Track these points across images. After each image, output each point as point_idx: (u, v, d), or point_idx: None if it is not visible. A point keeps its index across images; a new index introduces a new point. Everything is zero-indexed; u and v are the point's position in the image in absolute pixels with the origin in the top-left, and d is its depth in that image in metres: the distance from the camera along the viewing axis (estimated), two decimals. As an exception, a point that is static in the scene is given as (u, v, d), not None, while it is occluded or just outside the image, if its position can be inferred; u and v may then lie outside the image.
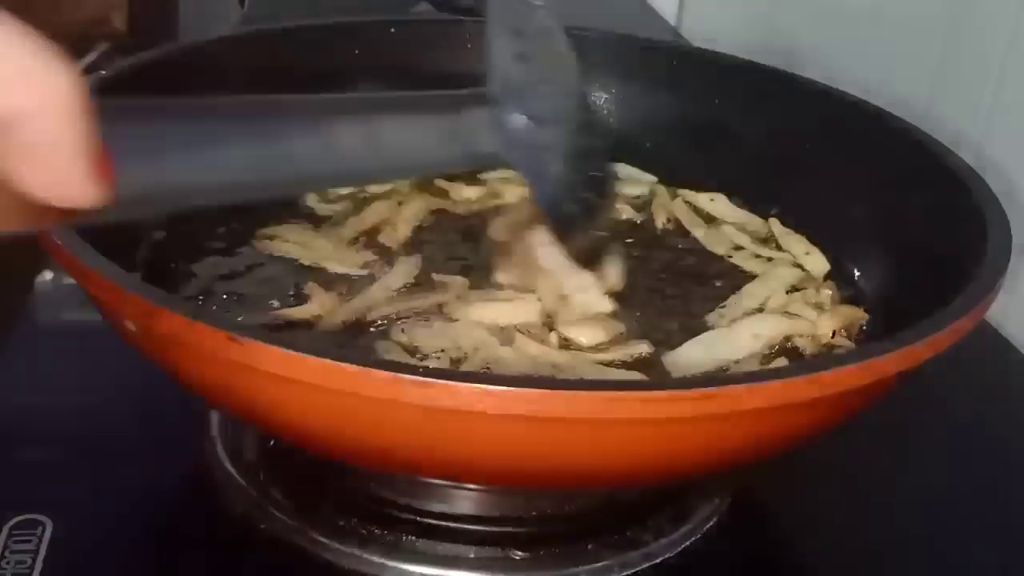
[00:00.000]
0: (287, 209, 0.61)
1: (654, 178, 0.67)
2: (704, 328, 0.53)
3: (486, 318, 0.51)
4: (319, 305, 0.52)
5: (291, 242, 0.57)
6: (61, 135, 0.27)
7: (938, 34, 0.75)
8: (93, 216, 0.30)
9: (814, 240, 0.61)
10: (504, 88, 0.48)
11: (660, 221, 0.63)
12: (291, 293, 0.54)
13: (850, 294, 0.57)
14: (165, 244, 0.55)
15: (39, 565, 0.45)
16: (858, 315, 0.55)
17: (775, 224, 0.62)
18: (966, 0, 0.73)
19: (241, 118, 0.38)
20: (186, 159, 0.35)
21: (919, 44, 0.77)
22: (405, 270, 0.55)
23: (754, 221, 0.63)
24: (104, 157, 0.29)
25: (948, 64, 0.75)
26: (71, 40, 0.87)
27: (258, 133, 0.38)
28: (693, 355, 0.51)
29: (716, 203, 0.64)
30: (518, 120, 0.48)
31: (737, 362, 0.51)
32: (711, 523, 0.50)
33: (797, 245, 0.60)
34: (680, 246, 0.61)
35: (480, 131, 0.47)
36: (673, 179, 0.66)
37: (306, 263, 0.56)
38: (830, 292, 0.57)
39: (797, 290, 0.57)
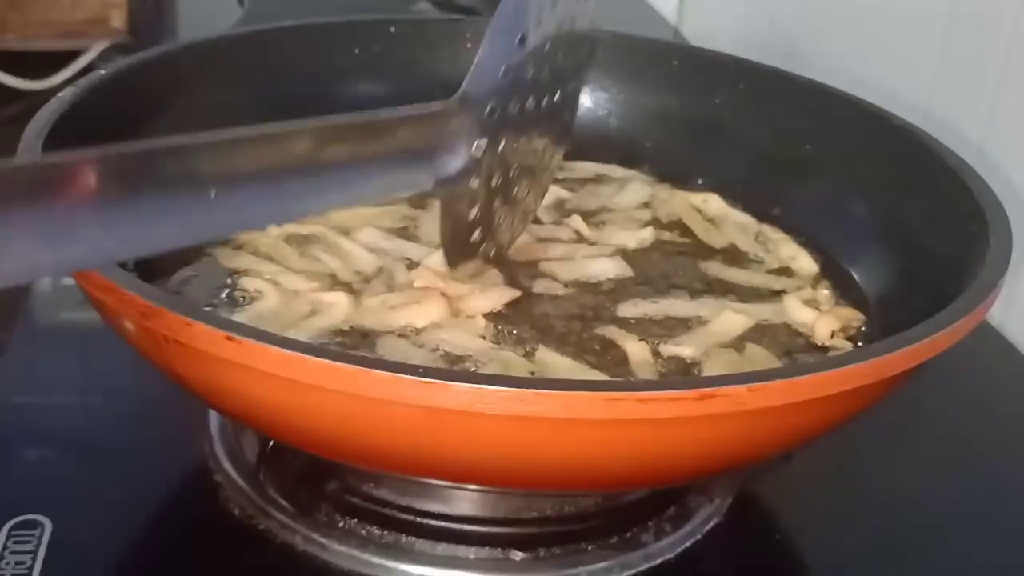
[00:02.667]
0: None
1: (648, 178, 0.67)
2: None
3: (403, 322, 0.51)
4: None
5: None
6: None
7: (938, 34, 0.75)
8: None
9: (810, 241, 0.60)
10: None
11: (662, 219, 0.63)
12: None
13: (849, 295, 0.57)
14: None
15: (38, 565, 0.45)
16: (855, 316, 0.55)
17: (765, 228, 0.62)
18: (966, 0, 0.73)
19: (92, 204, 0.31)
20: (38, 251, 0.30)
21: (919, 44, 0.77)
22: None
23: (746, 221, 0.63)
24: None
25: (948, 64, 0.75)
26: (70, 40, 0.86)
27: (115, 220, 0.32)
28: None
29: (709, 203, 0.64)
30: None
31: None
32: (711, 524, 0.50)
33: (785, 248, 0.60)
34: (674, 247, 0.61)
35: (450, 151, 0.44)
36: (673, 179, 0.66)
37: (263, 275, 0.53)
38: (827, 292, 0.57)
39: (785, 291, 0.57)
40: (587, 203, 0.64)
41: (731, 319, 0.53)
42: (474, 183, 0.46)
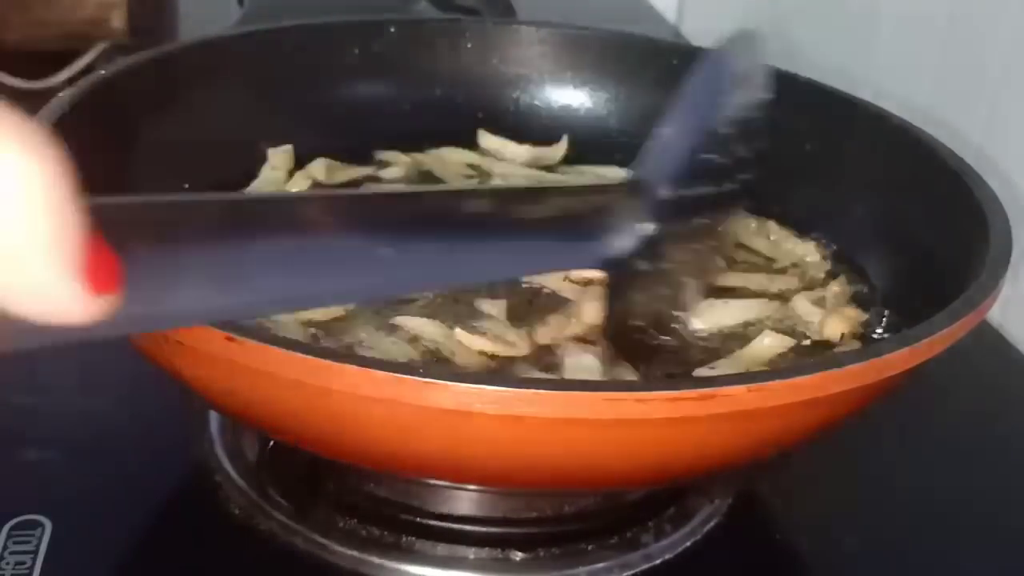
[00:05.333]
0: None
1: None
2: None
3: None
4: None
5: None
6: (33, 224, 0.21)
7: (938, 34, 0.75)
8: (88, 333, 0.24)
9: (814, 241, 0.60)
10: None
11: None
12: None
13: (862, 291, 0.57)
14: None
15: (39, 566, 0.45)
16: (857, 316, 0.54)
17: (772, 227, 0.62)
18: (966, 0, 0.73)
19: (276, 247, 0.31)
20: (209, 293, 0.28)
21: (919, 44, 0.77)
22: None
23: (744, 220, 0.63)
24: (105, 264, 0.23)
25: (948, 64, 0.75)
26: (70, 40, 0.86)
27: (292, 267, 0.31)
28: None
29: None
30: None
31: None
32: (711, 524, 0.50)
33: (793, 245, 0.60)
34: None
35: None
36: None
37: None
38: (838, 290, 0.56)
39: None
40: None
41: (770, 341, 0.52)
42: (641, 266, 0.42)
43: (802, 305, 0.55)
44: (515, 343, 0.50)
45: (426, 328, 0.50)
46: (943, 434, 0.59)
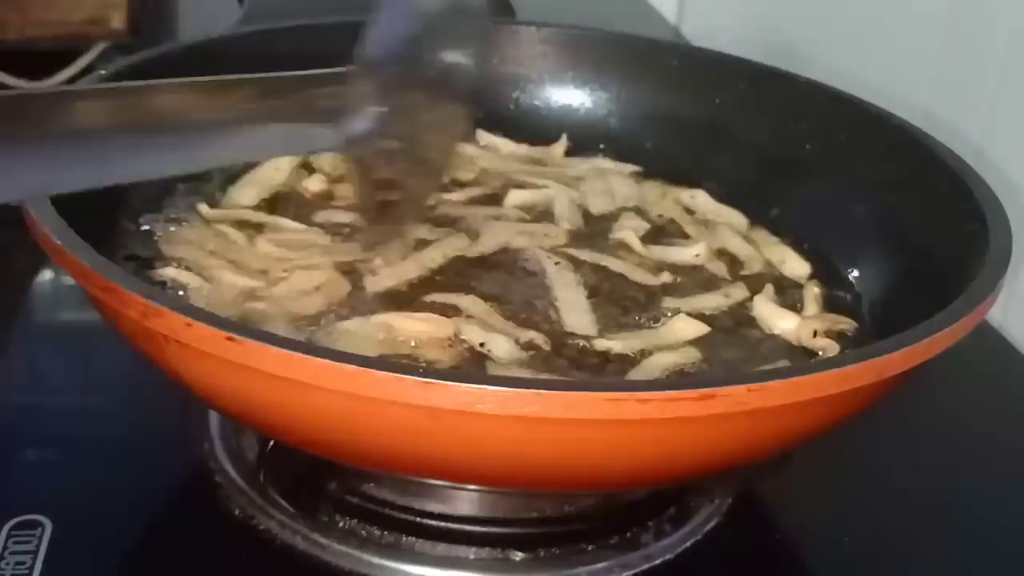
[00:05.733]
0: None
1: (635, 168, 0.66)
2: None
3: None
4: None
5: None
6: None
7: (938, 34, 0.75)
8: None
9: (809, 242, 0.60)
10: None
11: (654, 220, 0.62)
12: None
13: (845, 295, 0.57)
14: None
15: (39, 566, 0.45)
16: (832, 321, 0.54)
17: (755, 233, 0.61)
18: (966, 0, 0.73)
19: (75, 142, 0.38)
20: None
21: (919, 44, 0.77)
22: None
23: (735, 217, 0.63)
24: None
25: (948, 64, 0.75)
26: (70, 40, 0.86)
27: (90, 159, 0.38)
28: None
29: (697, 199, 0.64)
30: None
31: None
32: (711, 524, 0.50)
33: (774, 250, 0.60)
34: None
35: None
36: (673, 179, 0.66)
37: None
38: (817, 291, 0.56)
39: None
40: (600, 204, 0.63)
41: (684, 325, 0.52)
42: (381, 143, 0.48)
43: (762, 307, 0.54)
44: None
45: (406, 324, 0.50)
46: (943, 434, 0.59)
